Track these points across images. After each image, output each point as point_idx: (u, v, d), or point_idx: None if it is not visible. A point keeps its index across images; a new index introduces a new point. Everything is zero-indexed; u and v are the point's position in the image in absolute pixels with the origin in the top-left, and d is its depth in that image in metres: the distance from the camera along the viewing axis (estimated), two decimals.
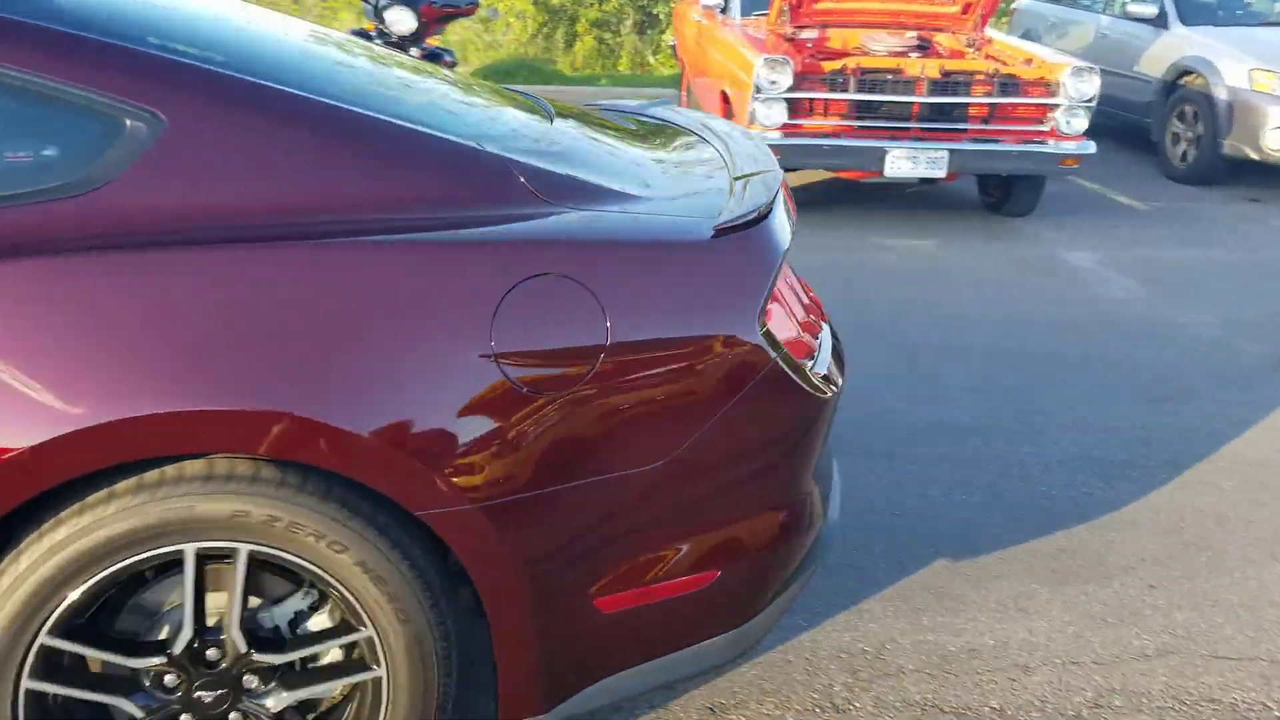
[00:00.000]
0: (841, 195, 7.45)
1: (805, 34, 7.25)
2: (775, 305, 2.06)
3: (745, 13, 7.82)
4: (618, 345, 1.83)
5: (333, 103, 1.89)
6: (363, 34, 8.31)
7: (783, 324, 2.07)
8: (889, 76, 6.60)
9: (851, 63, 6.64)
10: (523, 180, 1.92)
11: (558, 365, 1.81)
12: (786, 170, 6.77)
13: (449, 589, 1.90)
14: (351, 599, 1.81)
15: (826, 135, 6.54)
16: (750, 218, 2.01)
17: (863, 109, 6.58)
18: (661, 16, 13.40)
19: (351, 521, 1.77)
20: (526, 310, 1.79)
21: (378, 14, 8.06)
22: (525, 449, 1.81)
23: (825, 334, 2.33)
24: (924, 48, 7.10)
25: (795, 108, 6.49)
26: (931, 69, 6.64)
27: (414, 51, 8.08)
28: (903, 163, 6.47)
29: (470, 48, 13.62)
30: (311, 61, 2.27)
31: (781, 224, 2.11)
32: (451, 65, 8.60)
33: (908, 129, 6.57)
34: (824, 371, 2.16)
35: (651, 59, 13.50)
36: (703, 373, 1.91)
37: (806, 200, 7.32)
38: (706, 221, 1.97)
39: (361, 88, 2.18)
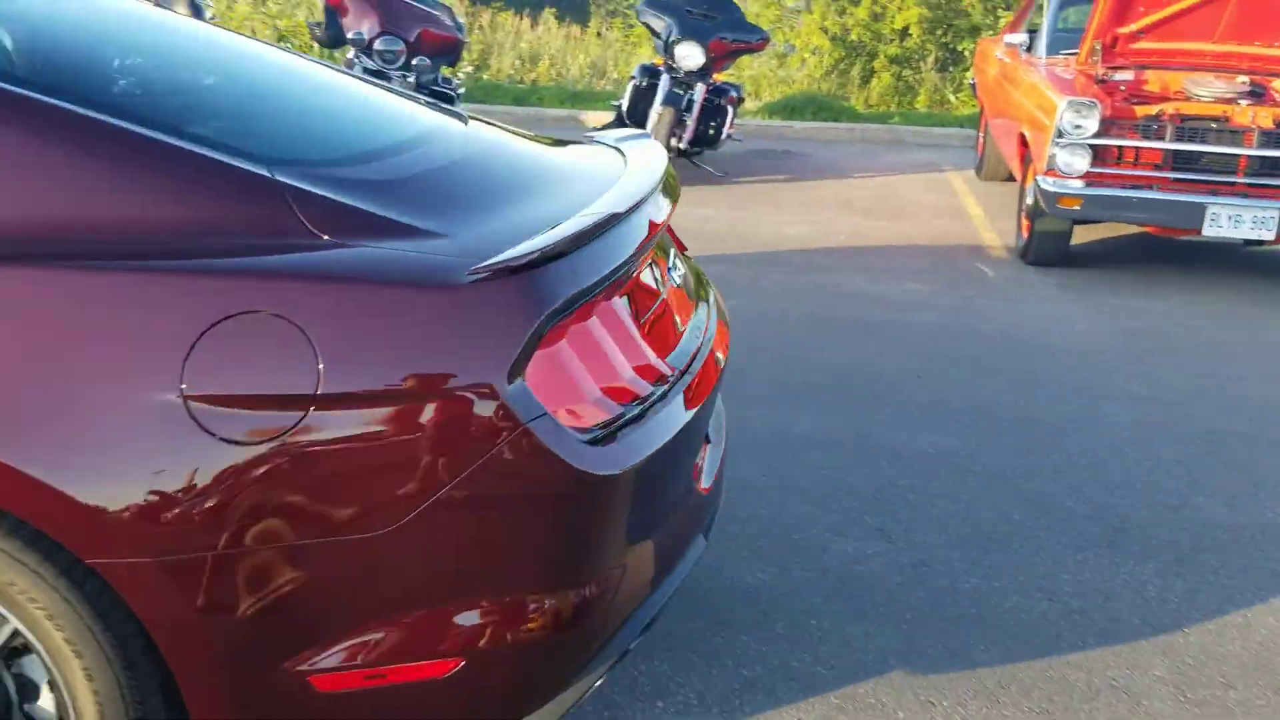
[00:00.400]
0: (1150, 253, 6.80)
1: (1119, 75, 6.67)
2: (563, 361, 1.77)
3: (1052, 51, 7.31)
4: (332, 396, 1.63)
5: (78, 111, 1.76)
6: (653, 69, 8.40)
7: (563, 384, 1.77)
8: (1213, 125, 5.96)
9: (1169, 108, 6.04)
10: (296, 211, 1.75)
11: (258, 413, 1.63)
12: (1087, 222, 6.36)
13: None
14: (35, 641, 1.71)
15: (1137, 186, 5.97)
16: (525, 261, 1.73)
17: (1180, 160, 5.96)
18: (966, 54, 12.88)
19: (26, 558, 1.66)
20: (227, 350, 1.62)
21: (667, 49, 8.11)
22: (214, 502, 1.63)
23: (672, 399, 1.98)
24: (1258, 94, 6.36)
25: (1101, 155, 5.97)
26: (1264, 118, 5.94)
27: (700, 87, 8.07)
28: (1225, 221, 5.81)
29: (764, 82, 13.60)
30: (129, 63, 2.19)
31: (578, 270, 1.81)
32: (738, 101, 8.56)
33: (1233, 184, 5.91)
34: (625, 442, 1.82)
35: (951, 98, 13.00)
36: (435, 433, 1.67)
37: (1108, 255, 6.73)
38: (468, 263, 1.71)
39: (173, 98, 2.09)
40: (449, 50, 8.25)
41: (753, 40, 8.47)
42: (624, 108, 8.51)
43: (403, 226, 1.80)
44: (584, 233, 1.86)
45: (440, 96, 8.38)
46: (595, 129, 9.03)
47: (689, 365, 2.13)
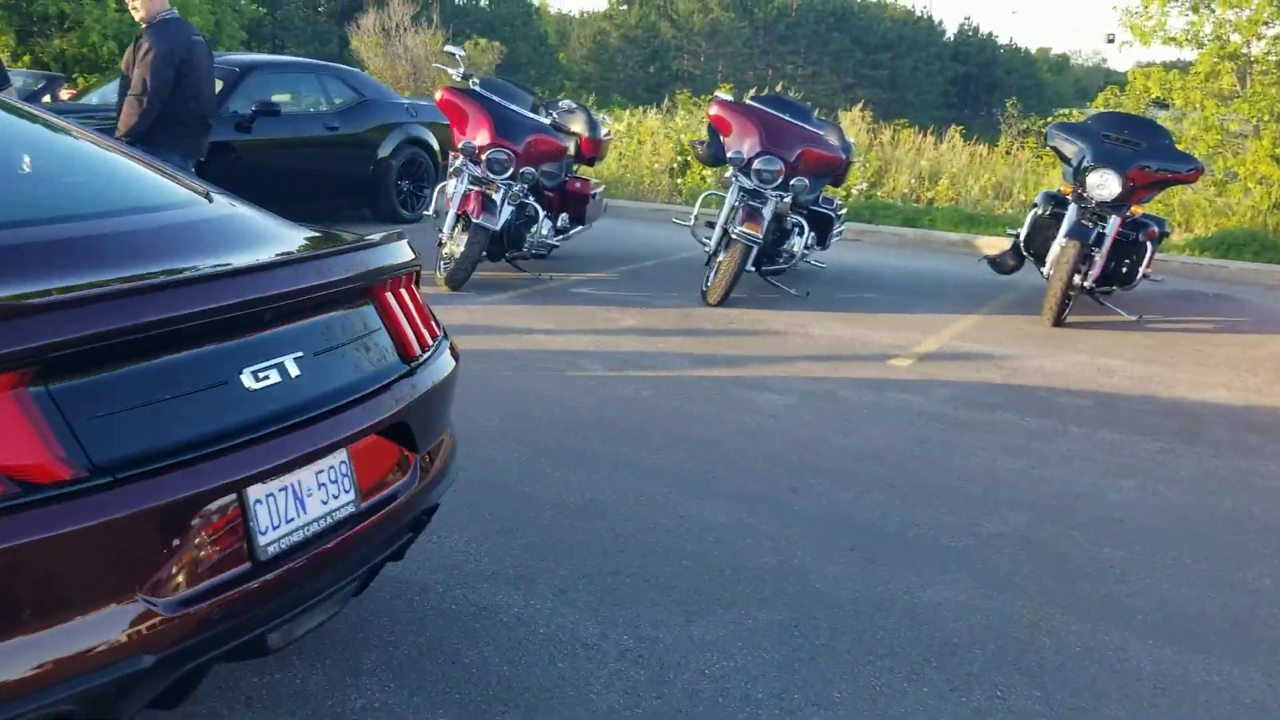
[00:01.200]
0: None
1: None
2: None
3: None
4: None
5: None
6: (1059, 197, 7.53)
7: None
8: None
9: None
10: None
11: None
12: None
13: None
14: None
15: None
16: None
17: None
18: None
19: None
20: None
21: (1077, 176, 7.22)
22: None
23: (69, 505, 1.84)
24: None
25: None
26: None
27: (1113, 220, 7.10)
28: None
29: (1196, 211, 12.10)
30: None
31: None
32: (1160, 236, 7.47)
33: None
34: None
35: None
36: None
37: None
38: None
39: None
40: (831, 171, 7.83)
41: (1182, 170, 7.36)
42: (1021, 237, 7.68)
43: None
44: None
45: (818, 217, 7.96)
46: (985, 257, 8.23)
47: (157, 473, 1.95)
